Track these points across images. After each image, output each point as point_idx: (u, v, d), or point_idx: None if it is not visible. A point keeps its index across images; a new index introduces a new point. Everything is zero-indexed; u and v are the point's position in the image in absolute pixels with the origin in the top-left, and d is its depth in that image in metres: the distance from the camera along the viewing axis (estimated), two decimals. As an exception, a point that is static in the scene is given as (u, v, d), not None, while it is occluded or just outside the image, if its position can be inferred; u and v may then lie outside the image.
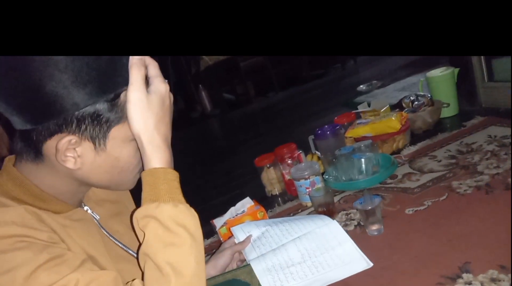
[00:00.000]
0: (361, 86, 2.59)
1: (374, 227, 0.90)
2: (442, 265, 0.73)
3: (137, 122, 0.55)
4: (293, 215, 1.14)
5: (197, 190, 1.87)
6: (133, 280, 0.56)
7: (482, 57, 1.42)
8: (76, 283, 0.50)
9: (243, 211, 1.10)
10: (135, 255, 0.61)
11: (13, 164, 0.59)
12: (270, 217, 1.11)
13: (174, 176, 0.58)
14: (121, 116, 0.55)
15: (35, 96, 0.51)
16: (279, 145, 1.35)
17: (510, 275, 0.66)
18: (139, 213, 0.55)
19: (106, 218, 0.68)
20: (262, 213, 1.09)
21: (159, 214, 0.54)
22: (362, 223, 0.95)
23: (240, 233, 0.95)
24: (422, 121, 1.38)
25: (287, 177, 1.27)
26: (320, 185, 1.14)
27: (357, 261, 0.79)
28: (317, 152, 1.39)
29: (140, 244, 0.56)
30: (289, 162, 1.28)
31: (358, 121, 1.43)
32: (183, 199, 0.57)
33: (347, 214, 1.04)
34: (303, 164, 1.21)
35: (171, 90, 0.59)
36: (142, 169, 0.58)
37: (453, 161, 1.12)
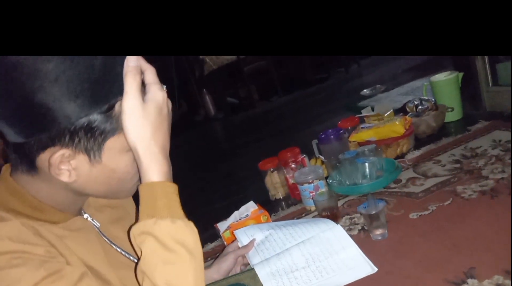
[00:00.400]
0: (365, 90, 2.59)
1: (378, 231, 0.90)
2: (447, 270, 0.73)
3: (133, 133, 0.53)
4: (297, 219, 1.14)
5: (201, 193, 1.87)
6: None
7: (486, 61, 1.42)
8: None
9: (247, 215, 1.11)
10: (137, 261, 0.61)
11: (10, 173, 0.57)
12: (274, 221, 1.11)
13: (172, 188, 0.55)
14: (117, 127, 0.53)
15: (25, 109, 0.49)
16: (282, 148, 1.35)
17: (515, 280, 0.65)
18: (136, 229, 0.54)
19: (106, 224, 0.67)
20: (266, 217, 1.09)
21: (156, 230, 0.52)
22: (366, 228, 0.95)
23: (243, 237, 0.95)
24: (426, 126, 1.38)
25: (291, 181, 1.28)
26: (324, 189, 1.14)
27: (362, 266, 0.79)
28: (320, 156, 1.39)
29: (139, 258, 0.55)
30: (292, 166, 1.28)
31: (361, 125, 1.43)
32: (182, 214, 0.55)
33: (351, 218, 1.04)
34: (306, 168, 1.21)
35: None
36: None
37: (458, 165, 1.11)
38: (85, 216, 0.64)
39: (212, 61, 3.88)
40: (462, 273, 0.71)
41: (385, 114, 1.46)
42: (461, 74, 1.44)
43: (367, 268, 0.78)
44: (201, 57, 3.97)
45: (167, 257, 0.52)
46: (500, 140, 1.16)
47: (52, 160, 0.51)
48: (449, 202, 0.95)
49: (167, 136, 0.57)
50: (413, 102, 1.45)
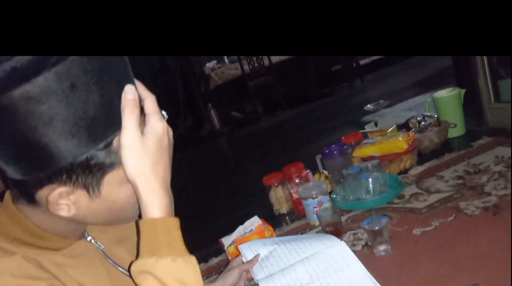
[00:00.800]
0: (368, 105, 2.61)
1: (382, 247, 0.91)
2: (450, 287, 0.73)
3: (132, 168, 0.52)
4: (300, 234, 1.15)
5: (205, 207, 1.88)
6: None
7: (488, 78, 1.44)
8: None
9: (251, 230, 1.11)
10: None
11: (12, 201, 0.57)
12: (278, 236, 1.12)
13: (173, 223, 0.54)
14: (115, 161, 0.52)
15: (21, 149, 0.49)
16: (286, 163, 1.37)
17: (518, 298, 0.66)
18: (136, 267, 0.53)
19: (110, 246, 0.67)
20: (270, 232, 1.09)
21: (157, 270, 0.52)
22: (369, 243, 0.96)
23: (247, 252, 0.96)
24: (429, 142, 1.39)
25: (295, 196, 1.29)
26: (327, 204, 1.15)
27: (365, 283, 0.79)
28: (324, 171, 1.40)
29: None
30: (297, 181, 1.29)
31: (365, 141, 1.44)
32: (183, 249, 0.55)
33: (354, 234, 1.05)
34: (310, 183, 1.22)
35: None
36: None
37: (461, 181, 1.12)
38: (89, 238, 0.64)
39: (217, 76, 3.93)
40: (465, 290, 0.71)
41: (388, 130, 1.47)
42: (463, 91, 1.45)
43: (370, 285, 0.79)
44: (206, 72, 4.03)
45: None
46: (502, 157, 1.16)
47: (50, 198, 0.51)
48: (452, 218, 0.96)
49: (167, 168, 0.56)
50: (416, 118, 1.46)
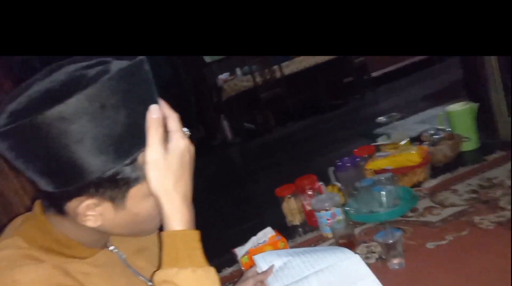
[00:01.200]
0: (381, 117, 2.61)
1: (396, 260, 0.91)
2: (465, 302, 0.74)
3: (156, 184, 0.55)
4: (314, 246, 1.16)
5: (218, 217, 1.90)
6: None
7: (501, 92, 1.44)
8: None
9: (265, 241, 1.13)
10: None
11: (41, 210, 0.61)
12: (291, 247, 1.13)
13: (193, 236, 0.57)
14: (140, 176, 0.55)
15: (52, 165, 0.52)
16: (298, 174, 1.38)
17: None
18: (158, 276, 0.56)
19: (130, 255, 0.69)
20: (283, 244, 1.10)
21: (178, 280, 0.55)
22: (383, 256, 0.96)
23: (262, 262, 0.97)
24: (442, 155, 1.39)
25: (308, 208, 1.30)
26: (341, 216, 1.16)
27: (379, 295, 0.80)
28: (337, 183, 1.41)
29: None
30: (309, 192, 1.30)
31: (378, 154, 1.45)
32: (203, 261, 0.57)
33: (367, 247, 1.05)
34: (323, 195, 1.23)
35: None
36: None
37: (475, 195, 1.12)
38: (111, 248, 0.67)
39: (230, 88, 3.98)
40: (480, 305, 0.72)
41: (402, 143, 1.48)
42: (476, 105, 1.45)
43: (384, 297, 0.79)
44: (219, 84, 4.09)
45: None
46: (517, 171, 1.16)
47: (78, 209, 0.55)
48: (466, 232, 0.96)
49: (189, 183, 0.59)
50: (429, 131, 1.47)
